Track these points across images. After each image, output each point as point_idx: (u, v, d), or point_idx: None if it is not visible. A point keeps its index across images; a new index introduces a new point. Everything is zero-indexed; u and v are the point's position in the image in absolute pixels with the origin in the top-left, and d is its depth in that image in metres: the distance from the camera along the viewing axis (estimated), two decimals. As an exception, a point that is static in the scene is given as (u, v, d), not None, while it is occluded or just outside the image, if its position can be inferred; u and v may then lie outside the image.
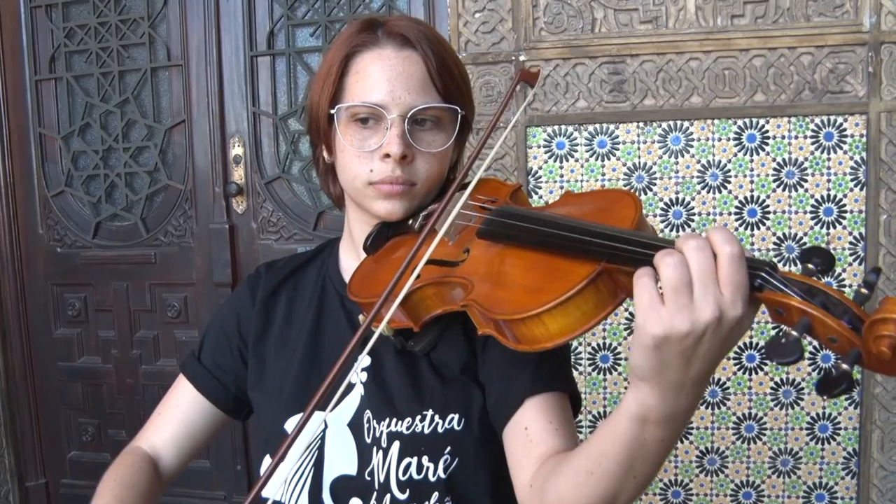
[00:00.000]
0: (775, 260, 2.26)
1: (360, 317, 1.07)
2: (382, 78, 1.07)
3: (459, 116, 1.12)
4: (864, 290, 0.69)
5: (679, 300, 0.70)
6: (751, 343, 2.30)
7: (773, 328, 2.23)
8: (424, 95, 1.08)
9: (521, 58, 2.32)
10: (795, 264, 2.26)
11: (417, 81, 1.08)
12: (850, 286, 2.24)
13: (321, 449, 1.13)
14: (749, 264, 0.72)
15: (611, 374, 2.39)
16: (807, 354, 2.28)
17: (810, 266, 0.72)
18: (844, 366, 0.66)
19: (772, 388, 2.31)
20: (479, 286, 0.90)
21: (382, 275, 1.05)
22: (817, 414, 2.29)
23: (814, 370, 2.27)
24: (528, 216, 0.92)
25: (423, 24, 1.14)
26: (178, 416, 1.26)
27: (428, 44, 1.09)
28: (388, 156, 1.06)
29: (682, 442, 2.37)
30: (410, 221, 1.12)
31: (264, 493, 1.16)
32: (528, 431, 0.99)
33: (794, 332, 0.67)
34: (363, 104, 1.08)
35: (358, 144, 1.10)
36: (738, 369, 2.31)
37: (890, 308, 0.65)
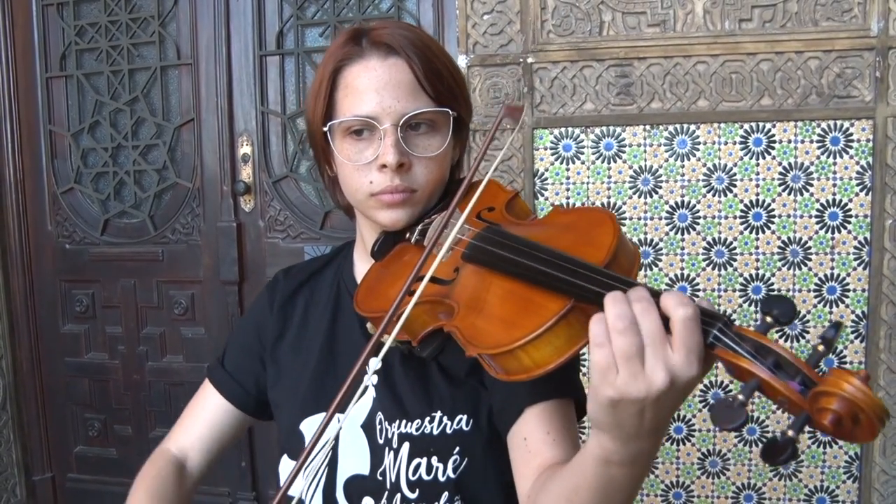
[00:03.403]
0: (779, 264, 2.27)
1: (368, 325, 1.09)
2: (370, 89, 1.07)
3: (452, 118, 1.12)
4: (820, 348, 0.67)
5: (632, 367, 0.70)
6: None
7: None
8: (415, 101, 1.08)
9: (529, 59, 2.33)
10: (800, 268, 2.26)
11: (406, 88, 1.08)
12: (854, 291, 2.24)
13: (335, 449, 1.15)
14: (703, 319, 0.70)
15: (684, 444, 2.40)
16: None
17: (769, 319, 0.70)
18: (790, 432, 0.64)
19: (775, 391, 2.31)
20: (463, 312, 0.90)
21: (386, 286, 1.05)
22: (821, 418, 2.29)
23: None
24: (508, 244, 0.91)
25: (410, 29, 1.14)
26: (203, 418, 1.32)
27: (413, 49, 1.09)
28: (384, 166, 1.07)
29: (684, 444, 2.38)
30: (408, 235, 1.12)
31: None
32: (527, 442, 1.01)
33: (741, 397, 0.66)
34: (354, 118, 1.08)
35: (355, 158, 1.10)
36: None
37: (833, 381, 0.64)
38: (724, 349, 0.69)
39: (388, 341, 0.91)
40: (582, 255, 0.83)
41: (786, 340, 2.28)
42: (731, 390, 2.31)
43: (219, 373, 1.33)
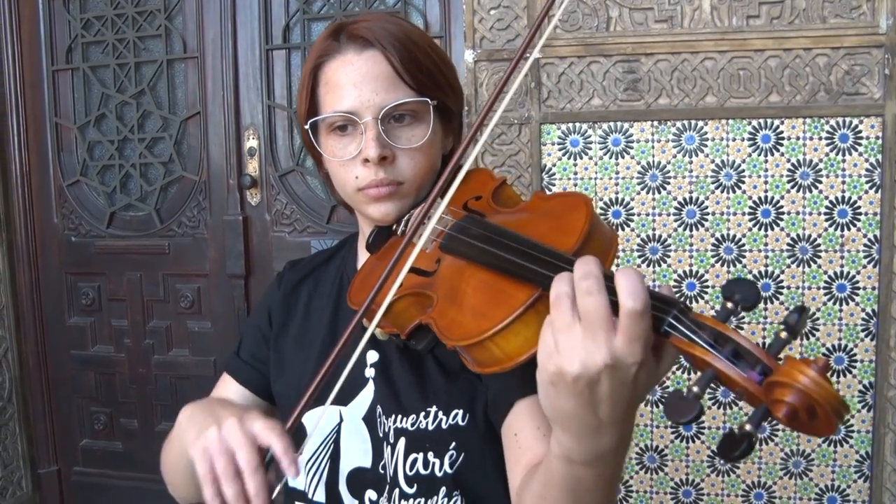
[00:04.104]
0: (788, 261, 2.26)
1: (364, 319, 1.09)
2: (349, 84, 1.07)
3: (431, 106, 1.11)
4: (783, 335, 0.63)
5: (568, 340, 0.69)
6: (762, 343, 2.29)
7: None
8: (394, 92, 1.08)
9: (536, 55, 2.32)
10: (809, 265, 2.25)
11: (384, 80, 1.07)
12: (864, 289, 2.23)
13: (336, 442, 1.15)
14: (657, 306, 0.68)
15: (693, 441, 2.39)
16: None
17: (729, 305, 0.67)
18: (748, 426, 0.61)
19: (782, 389, 2.30)
20: (440, 304, 0.89)
21: (378, 278, 1.05)
22: (828, 416, 2.28)
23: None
24: (481, 233, 0.90)
25: (389, 20, 1.13)
26: None
27: (390, 40, 1.08)
28: (367, 160, 1.06)
29: (693, 441, 2.38)
30: (394, 226, 1.12)
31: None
32: (518, 438, 1.00)
33: (696, 388, 0.63)
34: (335, 113, 1.08)
35: (339, 153, 1.10)
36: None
37: (787, 371, 0.61)
38: (679, 338, 0.67)
39: (371, 328, 0.90)
40: (554, 241, 0.82)
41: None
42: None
43: (235, 362, 1.33)
